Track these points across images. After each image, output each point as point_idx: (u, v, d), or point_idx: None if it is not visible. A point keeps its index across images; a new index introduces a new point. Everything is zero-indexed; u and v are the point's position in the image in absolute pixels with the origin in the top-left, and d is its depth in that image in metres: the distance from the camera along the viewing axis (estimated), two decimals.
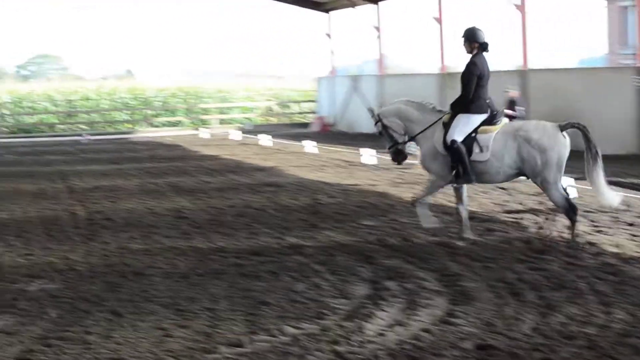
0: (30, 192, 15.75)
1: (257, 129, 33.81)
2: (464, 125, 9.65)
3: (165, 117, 40.14)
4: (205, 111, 41.16)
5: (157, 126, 38.65)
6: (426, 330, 6.54)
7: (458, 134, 9.63)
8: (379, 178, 16.74)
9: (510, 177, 9.95)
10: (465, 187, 10.03)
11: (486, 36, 9.83)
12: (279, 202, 13.62)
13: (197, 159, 22.66)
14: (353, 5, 31.58)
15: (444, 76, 27.25)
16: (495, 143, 9.51)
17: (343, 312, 7.18)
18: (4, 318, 7.25)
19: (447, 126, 9.78)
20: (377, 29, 31.91)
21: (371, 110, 10.68)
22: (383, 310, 7.14)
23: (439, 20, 27.88)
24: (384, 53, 33.06)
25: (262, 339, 6.47)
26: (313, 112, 38.94)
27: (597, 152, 9.31)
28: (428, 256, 9.16)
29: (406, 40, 62.26)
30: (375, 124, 10.35)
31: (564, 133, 9.46)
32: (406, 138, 10.17)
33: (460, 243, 9.66)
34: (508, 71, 24.23)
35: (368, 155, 19.85)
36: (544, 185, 9.47)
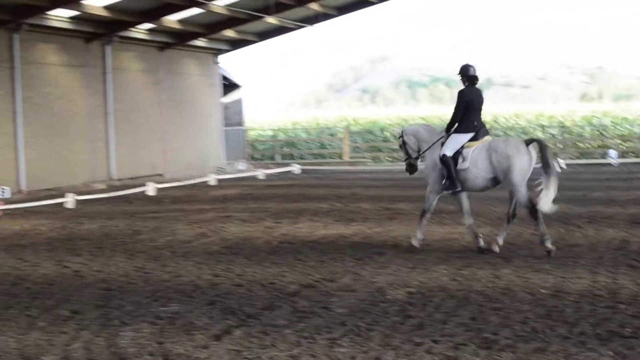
0: None
1: None
2: (454, 143, 12.87)
3: None
4: None
5: None
6: None
7: (449, 149, 12.85)
8: None
9: (487, 183, 12.80)
10: (464, 198, 13.04)
11: (475, 71, 13.03)
12: None
13: None
14: None
15: None
16: (474, 154, 12.68)
17: None
18: None
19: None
20: None
21: (399, 129, 14.02)
22: None
23: None
24: None
25: None
26: None
27: (549, 164, 12.20)
28: None
29: None
30: (398, 138, 13.78)
31: (529, 147, 12.35)
32: (417, 154, 13.47)
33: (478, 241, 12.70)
34: None
35: None
36: (511, 187, 12.45)
